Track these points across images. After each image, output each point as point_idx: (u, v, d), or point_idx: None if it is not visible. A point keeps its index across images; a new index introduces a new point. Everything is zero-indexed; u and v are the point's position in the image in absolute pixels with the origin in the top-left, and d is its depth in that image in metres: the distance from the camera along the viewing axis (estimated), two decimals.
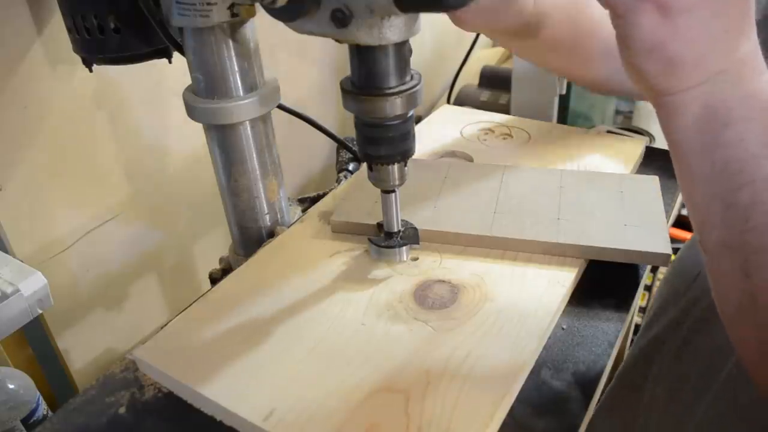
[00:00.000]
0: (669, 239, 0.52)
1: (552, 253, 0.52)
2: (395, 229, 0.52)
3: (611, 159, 0.66)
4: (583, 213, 0.55)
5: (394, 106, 0.43)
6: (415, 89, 0.44)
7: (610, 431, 0.66)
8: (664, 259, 0.51)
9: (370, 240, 0.53)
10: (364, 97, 0.43)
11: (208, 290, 0.52)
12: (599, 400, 0.45)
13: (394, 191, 0.50)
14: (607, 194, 0.58)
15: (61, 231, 0.69)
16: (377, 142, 0.46)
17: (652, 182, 0.60)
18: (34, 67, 0.62)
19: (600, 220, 0.54)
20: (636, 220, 0.54)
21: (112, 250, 0.75)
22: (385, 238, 0.53)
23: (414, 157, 0.49)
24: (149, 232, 0.80)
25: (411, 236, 0.53)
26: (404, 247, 0.53)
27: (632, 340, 0.88)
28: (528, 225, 0.54)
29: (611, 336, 0.47)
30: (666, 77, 0.39)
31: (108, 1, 0.54)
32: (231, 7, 0.48)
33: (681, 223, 1.70)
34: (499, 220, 0.55)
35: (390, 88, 0.43)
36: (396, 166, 0.48)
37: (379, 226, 0.54)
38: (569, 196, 0.57)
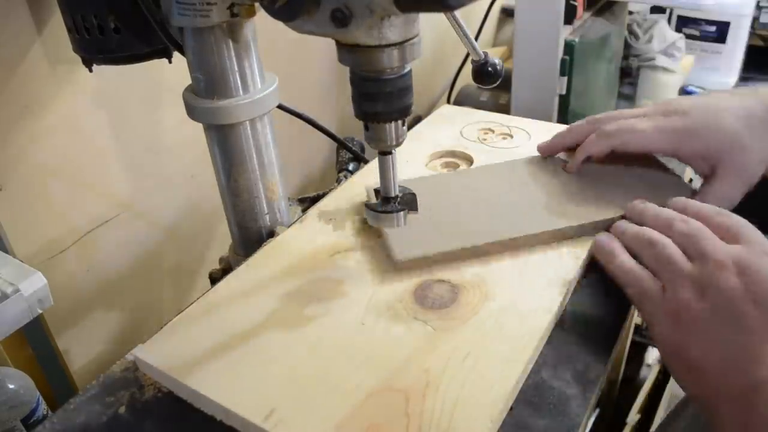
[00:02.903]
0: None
1: (566, 237, 0.54)
2: (393, 194, 0.50)
3: None
4: (596, 188, 0.58)
5: (392, 58, 0.41)
6: (413, 40, 0.42)
7: None
8: None
9: (366, 206, 0.52)
10: (359, 49, 0.41)
11: (208, 290, 0.52)
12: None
13: (391, 153, 0.48)
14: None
15: (61, 231, 0.69)
16: (374, 97, 0.44)
17: None
18: (34, 67, 0.62)
19: (614, 191, 0.57)
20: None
21: (112, 250, 0.75)
22: (383, 203, 0.51)
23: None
24: (149, 232, 0.80)
25: (409, 201, 0.51)
26: (402, 213, 0.51)
27: (632, 340, 0.88)
28: (534, 216, 0.55)
29: (611, 336, 0.47)
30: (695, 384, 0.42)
31: (108, 1, 0.54)
32: (231, 7, 0.48)
33: None
34: (498, 224, 0.55)
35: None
36: (393, 125, 0.45)
37: (376, 192, 0.53)
38: (563, 178, 0.60)
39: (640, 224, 0.50)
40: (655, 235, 0.47)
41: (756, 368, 0.39)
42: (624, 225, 0.51)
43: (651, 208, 0.51)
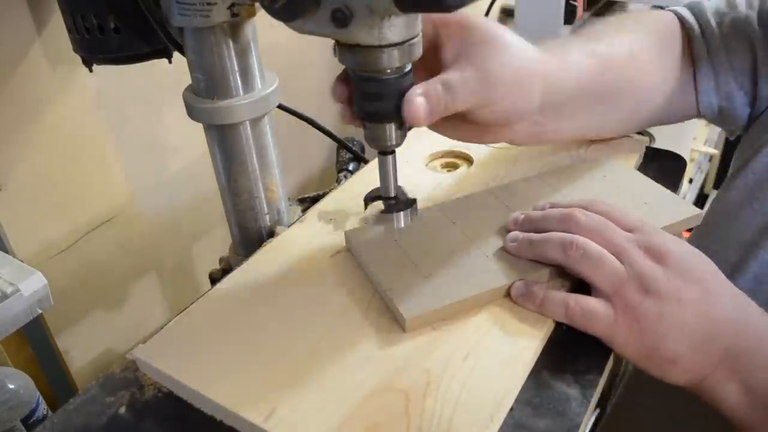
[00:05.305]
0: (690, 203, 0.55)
1: None
2: (392, 194, 0.50)
3: (611, 159, 0.66)
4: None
5: (392, 58, 0.41)
6: (413, 40, 0.42)
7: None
8: (697, 219, 0.54)
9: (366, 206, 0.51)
10: (359, 49, 0.41)
11: (208, 290, 0.52)
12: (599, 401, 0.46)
13: (391, 153, 0.47)
14: (596, 183, 0.59)
15: (61, 231, 0.69)
16: (373, 97, 0.44)
17: (612, 160, 0.62)
18: (34, 67, 0.62)
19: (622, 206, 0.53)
20: (646, 197, 0.55)
21: (112, 250, 0.76)
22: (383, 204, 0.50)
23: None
24: (149, 232, 0.80)
25: (410, 204, 0.51)
26: (402, 213, 0.50)
27: None
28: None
29: None
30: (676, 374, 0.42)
31: (108, 1, 0.54)
32: (231, 7, 0.48)
33: None
34: (502, 265, 0.49)
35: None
36: (394, 125, 0.45)
37: (367, 200, 0.53)
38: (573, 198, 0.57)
39: (536, 230, 0.48)
40: (567, 236, 0.45)
41: (721, 332, 0.41)
42: (524, 234, 0.49)
43: (540, 214, 0.49)
